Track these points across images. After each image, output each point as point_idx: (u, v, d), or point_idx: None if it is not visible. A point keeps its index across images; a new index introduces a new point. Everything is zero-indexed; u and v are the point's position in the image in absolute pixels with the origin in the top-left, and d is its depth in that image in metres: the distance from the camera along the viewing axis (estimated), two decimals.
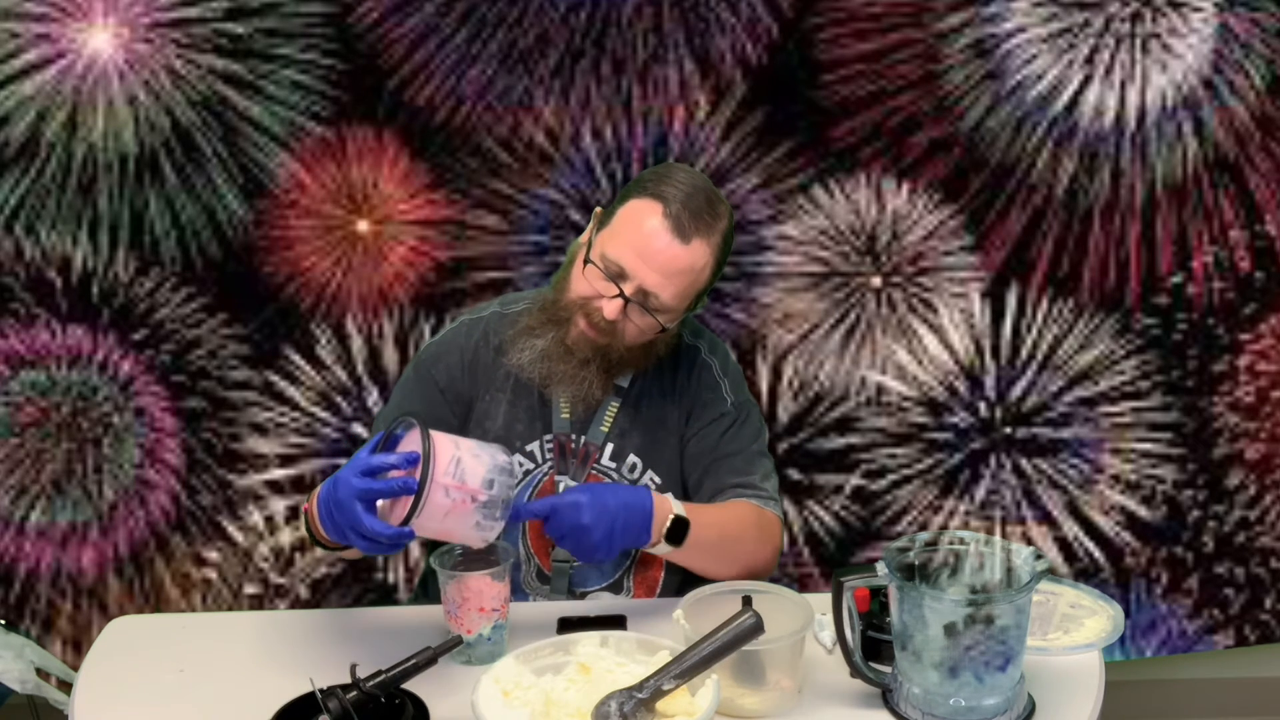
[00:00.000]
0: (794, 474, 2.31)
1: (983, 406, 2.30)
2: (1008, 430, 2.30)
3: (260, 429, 2.27)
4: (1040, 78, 2.18)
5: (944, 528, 2.30)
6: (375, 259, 2.23)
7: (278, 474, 2.29)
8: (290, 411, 2.27)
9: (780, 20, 2.16)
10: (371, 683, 1.32)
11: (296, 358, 2.25)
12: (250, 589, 2.32)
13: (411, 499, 1.33)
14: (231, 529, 2.30)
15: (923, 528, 2.32)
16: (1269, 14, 2.15)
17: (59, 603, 2.29)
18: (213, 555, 2.31)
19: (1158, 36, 2.16)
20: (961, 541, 1.35)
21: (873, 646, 1.42)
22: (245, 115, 2.16)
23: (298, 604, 2.31)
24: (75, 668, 1.61)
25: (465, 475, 1.36)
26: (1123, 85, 2.17)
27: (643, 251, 1.60)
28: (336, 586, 2.33)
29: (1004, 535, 1.54)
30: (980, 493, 2.31)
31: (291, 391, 2.27)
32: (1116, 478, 2.31)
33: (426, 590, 1.88)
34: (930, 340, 2.28)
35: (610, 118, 2.19)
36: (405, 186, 2.20)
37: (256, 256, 2.21)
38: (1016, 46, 2.17)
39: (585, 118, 2.19)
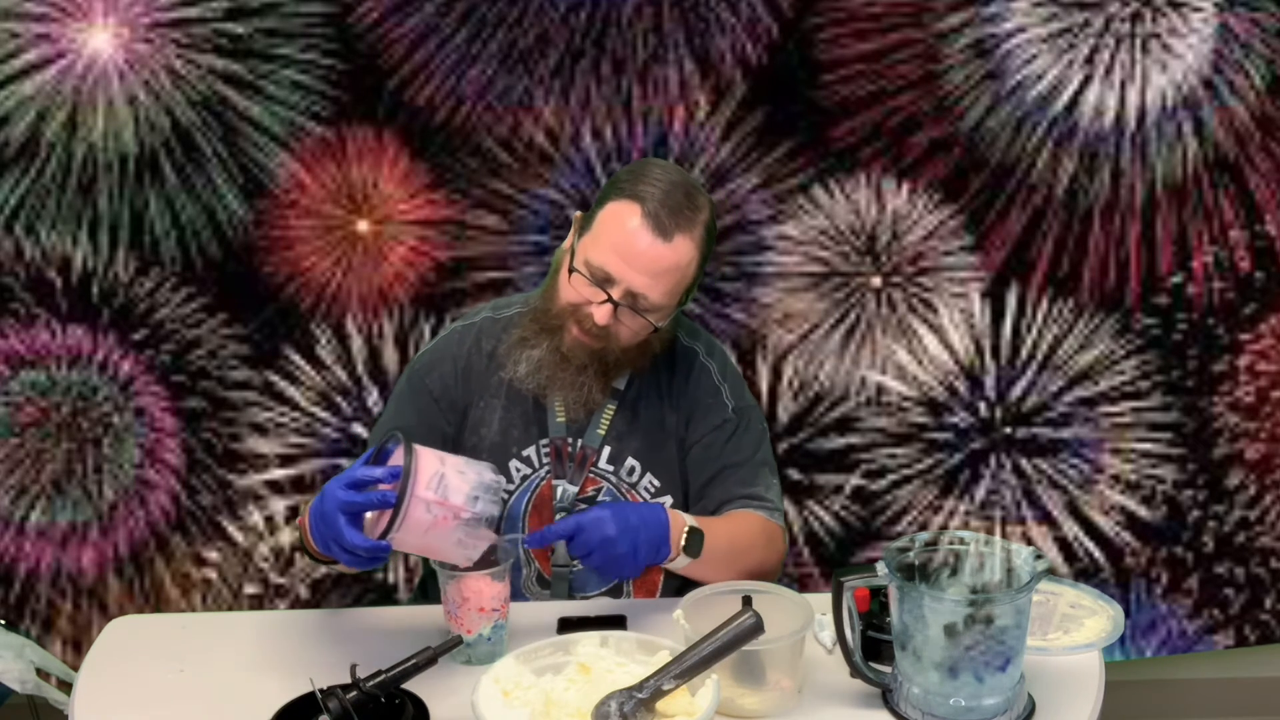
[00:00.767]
0: (794, 474, 2.30)
1: (983, 406, 2.30)
2: (1008, 430, 2.30)
3: (260, 429, 2.27)
4: (1040, 78, 2.18)
5: (944, 528, 2.30)
6: (375, 259, 2.23)
7: (278, 474, 2.29)
8: (290, 411, 2.27)
9: (780, 20, 2.16)
10: (371, 683, 1.32)
11: (296, 358, 2.25)
12: (250, 589, 2.32)
13: (390, 514, 1.34)
14: (231, 529, 2.30)
15: (923, 528, 2.32)
16: (1269, 14, 2.15)
17: (59, 603, 2.29)
18: (213, 555, 2.31)
19: (1158, 36, 2.16)
20: (961, 541, 1.35)
21: (873, 646, 1.42)
22: (245, 115, 2.16)
23: (298, 604, 2.31)
24: (75, 668, 1.61)
25: (448, 491, 1.36)
26: (1123, 85, 2.17)
27: (626, 255, 1.58)
28: (336, 586, 2.33)
29: (1004, 535, 1.54)
30: (980, 493, 2.31)
31: (291, 391, 2.27)
32: (1116, 478, 2.31)
33: (426, 592, 1.88)
34: (930, 340, 2.28)
35: (610, 118, 2.19)
36: (405, 186, 2.20)
37: (256, 256, 2.21)
38: (1016, 46, 2.17)
39: (585, 118, 2.19)
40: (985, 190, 2.22)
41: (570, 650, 1.37)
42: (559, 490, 1.72)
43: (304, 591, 2.32)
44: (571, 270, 1.62)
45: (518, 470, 1.73)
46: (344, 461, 2.27)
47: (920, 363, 2.28)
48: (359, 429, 2.28)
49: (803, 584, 2.34)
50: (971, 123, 2.19)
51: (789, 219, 2.23)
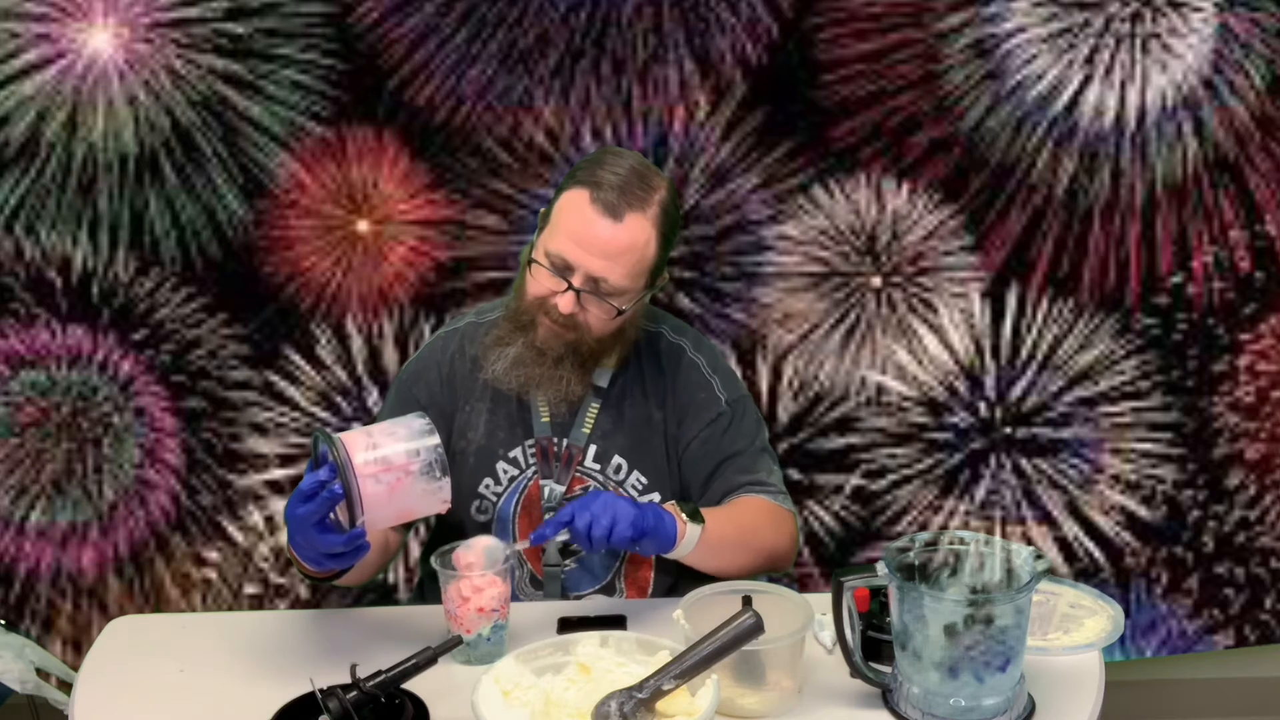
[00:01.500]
0: (794, 474, 2.30)
1: (983, 406, 2.30)
2: (1008, 430, 2.30)
3: (260, 429, 2.27)
4: (1040, 78, 2.18)
5: (944, 528, 2.30)
6: (375, 259, 2.23)
7: (278, 474, 2.29)
8: (290, 411, 2.27)
9: (780, 20, 2.16)
10: (371, 683, 1.32)
11: (296, 358, 2.25)
12: (250, 589, 2.32)
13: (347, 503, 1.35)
14: (231, 529, 2.30)
15: (923, 528, 2.32)
16: (1269, 14, 2.15)
17: (59, 603, 2.29)
18: (213, 555, 2.31)
19: (1158, 36, 2.16)
20: (961, 541, 1.35)
21: (873, 646, 1.42)
22: (245, 115, 2.16)
23: (298, 604, 2.31)
24: (75, 668, 1.61)
25: (388, 456, 1.38)
26: (1123, 85, 2.17)
27: (579, 239, 1.60)
28: (336, 587, 2.32)
29: (1004, 535, 1.54)
30: (980, 493, 2.31)
31: (291, 391, 2.27)
32: (1116, 478, 2.31)
33: (424, 593, 1.88)
34: (930, 340, 2.28)
35: (610, 118, 2.19)
36: (405, 186, 2.20)
37: (256, 256, 2.21)
38: (1016, 46, 2.17)
39: (585, 118, 2.19)
40: (985, 190, 2.22)
41: (570, 650, 1.37)
42: (546, 490, 1.73)
43: (304, 591, 2.32)
44: (532, 262, 1.63)
45: (505, 472, 1.73)
46: None
47: (920, 363, 2.28)
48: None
49: (803, 584, 2.34)
50: (971, 123, 2.19)
51: (789, 219, 2.23)
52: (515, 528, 1.74)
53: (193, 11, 2.12)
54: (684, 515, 1.55)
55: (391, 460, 1.37)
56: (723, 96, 2.18)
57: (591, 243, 1.60)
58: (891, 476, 2.32)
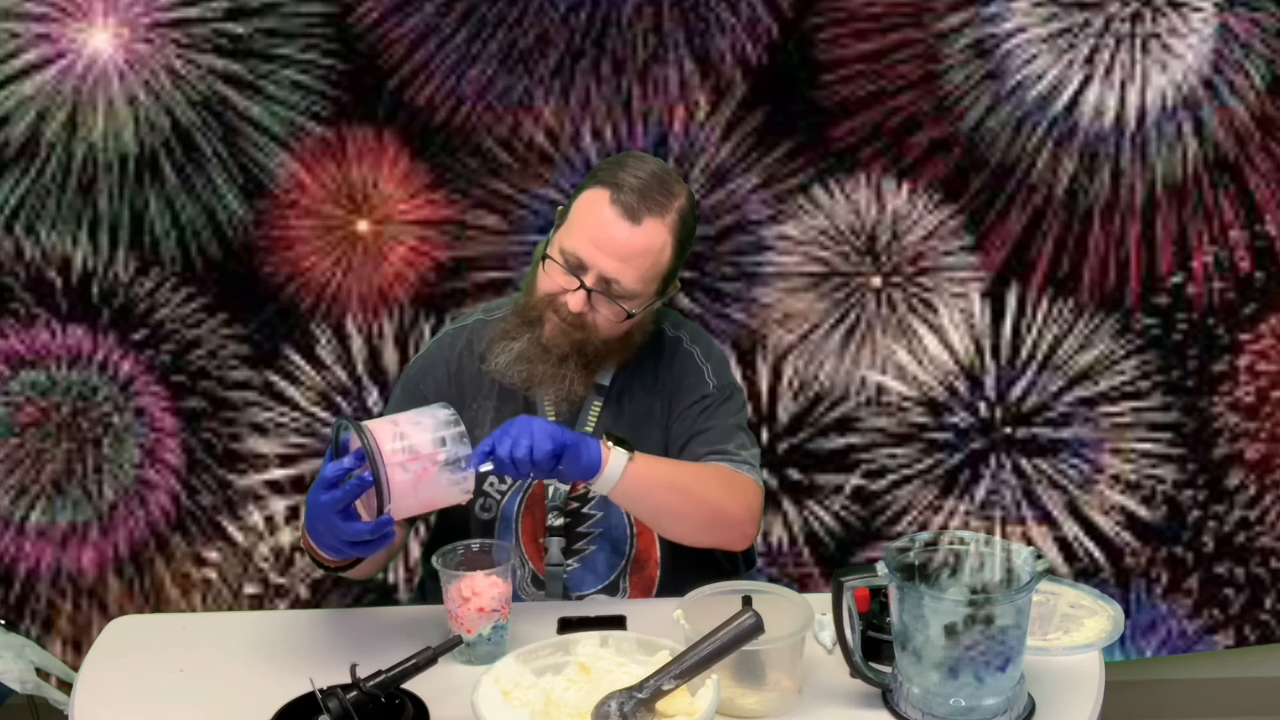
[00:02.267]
0: (794, 474, 2.31)
1: (983, 406, 2.30)
2: (1008, 430, 2.30)
3: (260, 429, 2.27)
4: (1040, 78, 2.18)
5: (944, 528, 2.30)
6: (375, 259, 2.23)
7: (278, 474, 2.29)
8: (290, 411, 2.27)
9: (780, 20, 2.16)
10: (371, 683, 1.32)
11: (296, 358, 2.25)
12: (250, 589, 2.32)
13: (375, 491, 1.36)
14: (231, 529, 2.30)
15: (923, 528, 2.32)
16: (1269, 14, 2.15)
17: (59, 603, 2.29)
18: (213, 555, 2.31)
19: (1158, 36, 2.16)
20: (961, 541, 1.35)
21: (873, 646, 1.42)
22: (245, 115, 2.16)
23: (298, 604, 2.31)
24: (75, 668, 1.61)
25: (414, 445, 1.38)
26: (1123, 85, 2.17)
27: (596, 239, 1.60)
28: (336, 586, 2.33)
29: (1004, 535, 1.54)
30: (980, 493, 2.31)
31: (291, 391, 2.27)
32: (1116, 478, 2.31)
33: (424, 593, 1.88)
34: (930, 340, 2.28)
35: (610, 118, 2.19)
36: (405, 186, 2.20)
37: (256, 256, 2.21)
38: (1016, 46, 2.17)
39: (585, 118, 2.19)
40: (985, 190, 2.22)
41: (570, 650, 1.37)
42: (550, 489, 1.72)
43: (304, 591, 2.32)
44: (546, 257, 1.63)
45: None
46: None
47: (920, 363, 2.28)
48: None
49: (803, 584, 2.34)
50: (971, 123, 2.19)
51: (789, 219, 2.23)
52: (518, 526, 1.74)
53: (193, 11, 2.12)
54: (609, 442, 1.53)
55: (419, 449, 1.38)
56: (723, 96, 2.18)
57: (608, 243, 1.60)
58: (891, 476, 2.32)
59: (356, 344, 2.26)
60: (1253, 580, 2.34)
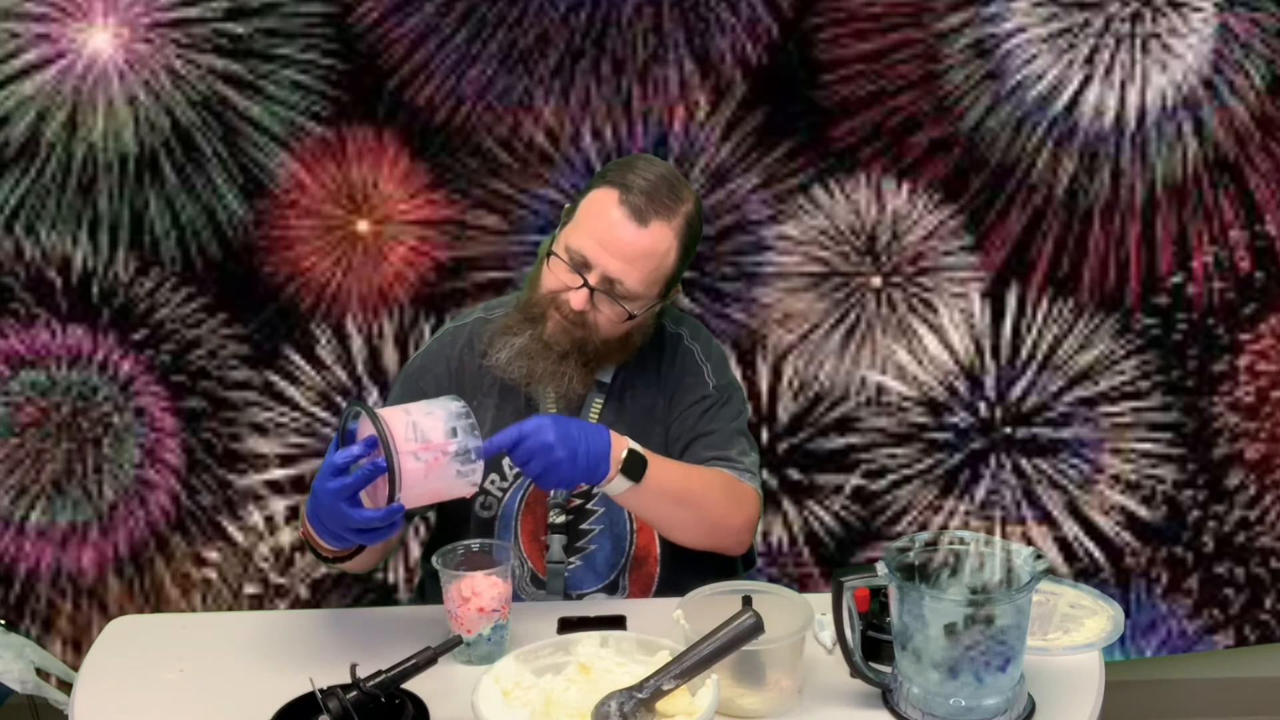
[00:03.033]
0: (794, 474, 2.31)
1: (983, 406, 2.30)
2: (1008, 430, 2.30)
3: (260, 429, 2.27)
4: (1040, 78, 2.18)
5: (944, 528, 2.30)
6: (375, 259, 2.23)
7: (278, 474, 2.29)
8: (290, 411, 2.27)
9: (780, 20, 2.16)
10: (371, 683, 1.32)
11: (296, 358, 2.25)
12: (250, 589, 2.32)
13: (387, 478, 1.36)
14: (231, 529, 2.30)
15: (923, 528, 2.32)
16: (1269, 14, 2.15)
17: (59, 603, 2.29)
18: (213, 555, 2.31)
19: (1158, 36, 2.16)
20: (961, 541, 1.35)
21: (873, 646, 1.42)
22: (245, 115, 2.16)
23: (298, 604, 2.31)
24: (75, 668, 1.61)
25: (427, 434, 1.38)
26: (1123, 85, 2.17)
27: (602, 239, 1.60)
28: (336, 586, 2.33)
29: (1004, 535, 1.54)
30: (980, 493, 2.31)
31: (291, 391, 2.27)
32: (1116, 478, 2.31)
33: (424, 593, 1.88)
34: (930, 340, 2.28)
35: (610, 118, 2.19)
36: (405, 186, 2.20)
37: (256, 256, 2.21)
38: (1016, 46, 2.17)
39: (585, 118, 2.19)
40: (985, 190, 2.22)
41: (570, 650, 1.37)
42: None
43: (304, 591, 2.32)
44: (551, 255, 1.63)
45: (511, 468, 1.73)
46: None
47: (920, 363, 2.28)
48: None
49: (803, 584, 2.34)
50: (971, 123, 2.19)
51: (789, 219, 2.23)
52: (519, 525, 1.74)
53: (193, 11, 2.12)
54: (621, 461, 1.52)
55: (431, 439, 1.38)
56: (723, 96, 2.18)
57: (613, 244, 1.60)
58: (891, 476, 2.32)
59: (356, 344, 2.26)
60: (1253, 580, 2.34)
